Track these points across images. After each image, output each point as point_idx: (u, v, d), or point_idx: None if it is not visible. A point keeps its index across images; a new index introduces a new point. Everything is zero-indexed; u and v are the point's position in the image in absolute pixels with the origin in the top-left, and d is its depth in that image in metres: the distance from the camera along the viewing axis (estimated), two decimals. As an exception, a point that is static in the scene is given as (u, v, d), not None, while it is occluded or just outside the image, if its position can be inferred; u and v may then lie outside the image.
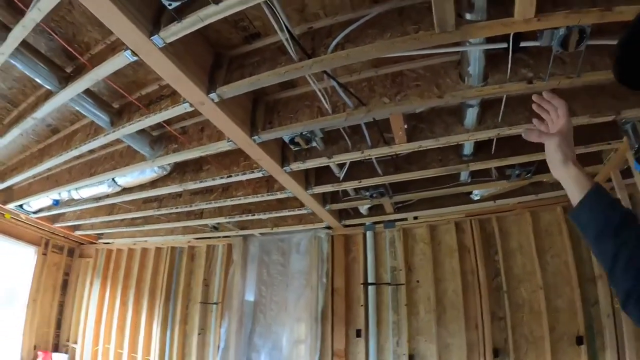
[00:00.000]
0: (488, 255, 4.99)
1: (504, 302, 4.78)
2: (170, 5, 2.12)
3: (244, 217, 5.20)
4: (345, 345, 5.20)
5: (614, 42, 2.69)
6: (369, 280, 5.24)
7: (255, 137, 3.14)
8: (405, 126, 3.19)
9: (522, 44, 2.56)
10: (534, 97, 1.43)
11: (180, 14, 2.17)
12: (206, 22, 2.18)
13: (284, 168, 3.67)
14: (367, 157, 3.61)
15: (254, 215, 5.14)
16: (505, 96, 3.04)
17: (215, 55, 2.80)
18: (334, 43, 2.41)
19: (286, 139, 3.26)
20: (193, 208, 4.85)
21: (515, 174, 4.16)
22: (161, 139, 3.68)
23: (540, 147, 3.42)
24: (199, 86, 2.59)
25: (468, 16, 2.21)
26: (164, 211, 5.03)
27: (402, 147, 3.42)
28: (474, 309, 4.85)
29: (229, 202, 4.57)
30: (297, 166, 3.68)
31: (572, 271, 4.62)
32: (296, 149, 3.39)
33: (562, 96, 3.18)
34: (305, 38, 2.56)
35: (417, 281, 5.16)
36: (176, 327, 6.30)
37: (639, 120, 3.29)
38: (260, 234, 5.97)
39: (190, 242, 6.58)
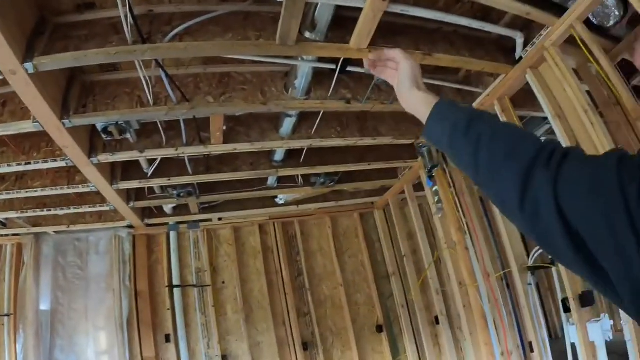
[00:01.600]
0: (291, 256, 5.33)
1: (307, 299, 5.21)
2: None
3: (39, 212, 4.45)
4: (155, 352, 4.90)
5: (427, 81, 3.08)
6: (174, 283, 5.02)
7: (66, 121, 2.68)
8: (224, 127, 3.15)
9: (350, 69, 2.73)
10: (370, 56, 1.33)
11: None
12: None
13: (91, 159, 3.25)
14: (180, 155, 3.46)
15: (50, 210, 4.43)
16: (322, 111, 3.21)
17: (39, 19, 2.32)
18: (173, 33, 2.21)
19: (99, 127, 2.91)
20: None
21: (319, 182, 4.49)
22: (-54, 110, 2.99)
23: (344, 160, 3.70)
24: (15, 51, 2.08)
25: (307, 34, 2.28)
26: (-58, 201, 4.10)
27: (218, 148, 3.36)
28: (280, 307, 5.13)
29: (24, 194, 3.89)
30: (105, 158, 3.29)
31: (368, 270, 5.41)
32: (108, 139, 3.05)
33: (373, 118, 3.56)
34: (144, 20, 2.28)
35: (223, 282, 5.15)
36: (-38, 346, 5.05)
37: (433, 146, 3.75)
38: (55, 232, 5.14)
39: None
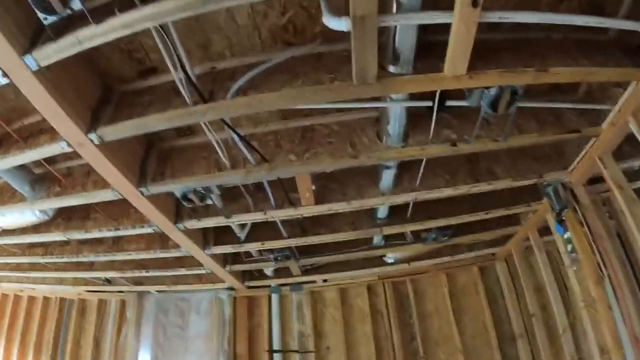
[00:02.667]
0: (403, 318, 4.86)
1: (422, 367, 4.67)
2: (45, 19, 1.65)
3: (138, 274, 4.66)
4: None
5: (543, 105, 2.58)
6: (275, 347, 4.83)
7: (143, 189, 2.69)
8: (314, 187, 2.88)
9: (449, 103, 2.30)
10: None
11: (59, 33, 1.72)
12: (85, 46, 1.73)
13: (177, 225, 3.24)
14: (270, 219, 3.26)
15: (148, 271, 4.61)
16: (425, 158, 2.80)
17: (103, 89, 2.35)
18: (234, 87, 2.03)
19: (177, 194, 2.83)
20: (80, 259, 4.26)
21: (431, 238, 4.02)
22: (44, 178, 3.12)
23: (457, 211, 3.24)
24: (77, 123, 2.09)
25: (392, 69, 1.95)
26: (49, 259, 4.39)
27: (310, 210, 3.11)
28: (391, 375, 4.66)
29: (120, 257, 4.05)
30: (191, 224, 3.26)
31: (490, 332, 4.71)
32: (190, 205, 2.98)
33: (485, 159, 3.02)
34: (206, 80, 2.19)
35: (328, 348, 4.82)
36: (64, 391, 5.36)
37: (561, 183, 3.22)
38: (158, 291, 5.36)
39: (80, 295, 5.73)
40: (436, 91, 2.16)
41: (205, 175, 2.67)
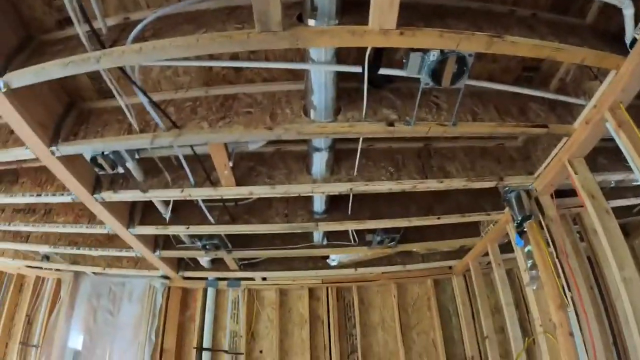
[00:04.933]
0: (344, 328, 4.50)
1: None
2: None
3: (69, 250, 4.37)
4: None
5: (507, 88, 2.15)
6: (205, 345, 4.47)
7: (54, 148, 2.42)
8: (231, 164, 2.53)
9: (383, 72, 1.94)
10: None
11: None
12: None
13: (95, 196, 2.93)
14: (188, 197, 2.93)
15: (79, 248, 4.33)
16: (361, 143, 2.49)
17: (22, 39, 2.12)
18: (133, 34, 1.78)
19: (87, 158, 2.58)
20: (11, 228, 4.01)
21: (377, 241, 3.63)
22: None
23: (404, 212, 2.83)
24: None
25: (312, 23, 1.61)
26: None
27: (230, 191, 2.78)
28: (324, 390, 4.34)
29: (48, 228, 3.79)
30: (109, 196, 2.95)
31: (440, 351, 4.40)
32: (102, 172, 2.71)
33: (439, 155, 2.56)
34: (116, 30, 1.98)
35: (260, 351, 4.46)
36: (-8, 371, 5.06)
37: (524, 190, 2.88)
38: (94, 273, 5.07)
39: (20, 269, 5.44)
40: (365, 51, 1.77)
41: (114, 137, 2.44)
